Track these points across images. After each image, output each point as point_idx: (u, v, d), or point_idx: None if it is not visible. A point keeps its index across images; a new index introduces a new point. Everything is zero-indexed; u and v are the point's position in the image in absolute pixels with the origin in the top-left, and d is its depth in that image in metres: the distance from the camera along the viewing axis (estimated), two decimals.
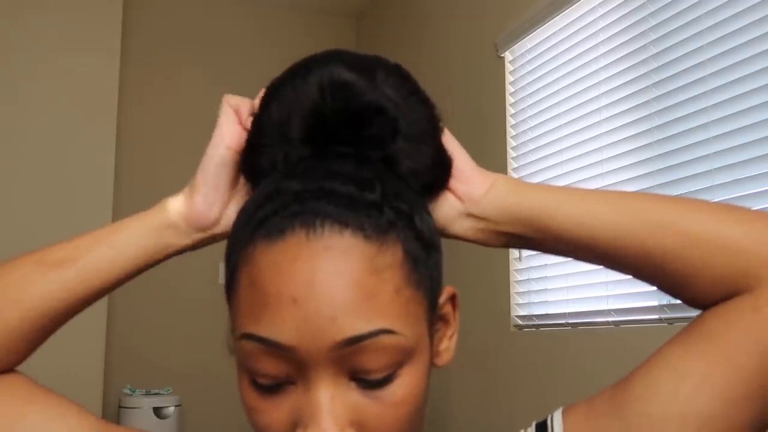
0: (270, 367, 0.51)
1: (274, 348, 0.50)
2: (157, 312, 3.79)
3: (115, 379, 3.59)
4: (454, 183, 0.61)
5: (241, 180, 0.62)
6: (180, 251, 0.64)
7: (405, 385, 0.52)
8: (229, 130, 0.61)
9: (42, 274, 0.61)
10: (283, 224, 0.51)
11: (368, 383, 0.51)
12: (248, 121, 0.60)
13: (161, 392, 3.62)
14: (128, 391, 3.58)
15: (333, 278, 0.49)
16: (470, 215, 0.61)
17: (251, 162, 0.59)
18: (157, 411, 3.49)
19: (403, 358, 0.51)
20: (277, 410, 0.52)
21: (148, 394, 3.58)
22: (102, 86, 3.44)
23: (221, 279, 4.53)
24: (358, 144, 0.57)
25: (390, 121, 0.56)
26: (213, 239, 0.64)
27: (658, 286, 0.60)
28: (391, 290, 0.51)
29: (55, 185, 3.30)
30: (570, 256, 0.62)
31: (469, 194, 0.61)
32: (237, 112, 0.62)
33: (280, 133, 0.57)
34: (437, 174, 0.60)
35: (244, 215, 0.55)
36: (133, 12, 3.86)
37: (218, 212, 0.62)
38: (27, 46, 3.33)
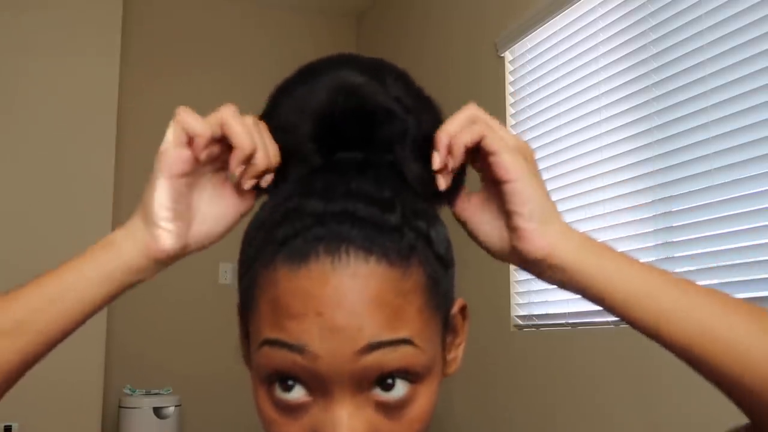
0: (291, 376, 0.51)
1: (298, 353, 0.50)
2: (157, 312, 3.79)
3: (115, 379, 3.59)
4: (512, 235, 0.56)
5: (195, 195, 0.57)
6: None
7: (421, 403, 0.52)
8: (175, 157, 0.54)
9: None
10: (307, 248, 0.50)
11: (386, 401, 0.51)
12: (201, 150, 0.54)
13: (161, 392, 3.62)
14: (128, 391, 3.58)
15: (359, 298, 0.50)
16: (519, 264, 0.58)
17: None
18: (157, 411, 3.49)
19: (421, 374, 0.52)
20: (296, 424, 0.52)
21: (148, 394, 3.58)
22: (102, 86, 3.44)
23: (221, 279, 4.52)
24: (367, 147, 0.56)
25: (399, 122, 0.56)
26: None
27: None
28: (414, 311, 0.51)
29: (55, 185, 3.30)
30: None
31: (521, 254, 0.56)
32: (189, 135, 0.54)
33: (288, 136, 0.56)
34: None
35: (261, 231, 0.54)
36: (133, 12, 3.86)
37: (185, 240, 0.56)
38: (27, 46, 3.33)
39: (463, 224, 0.60)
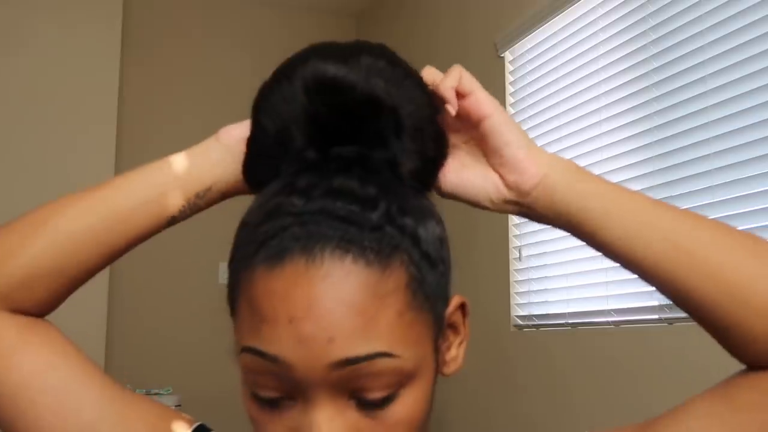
0: (270, 382, 0.50)
1: (272, 362, 0.49)
2: (157, 312, 3.79)
3: (115, 379, 3.58)
4: (503, 170, 0.58)
5: None
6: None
7: (405, 406, 0.51)
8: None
9: (74, 199, 0.61)
10: (283, 249, 0.50)
11: (367, 404, 0.50)
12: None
13: (161, 392, 3.61)
14: None
15: (331, 302, 0.48)
16: (516, 203, 0.59)
17: (256, 174, 0.58)
18: None
19: (403, 379, 0.50)
20: (277, 425, 0.51)
21: (148, 394, 3.58)
22: (102, 86, 3.44)
23: (221, 279, 4.52)
24: (360, 141, 0.55)
25: (387, 113, 0.54)
26: None
27: (698, 323, 0.57)
28: (393, 314, 0.50)
29: (55, 186, 3.30)
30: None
31: (517, 185, 0.58)
32: None
33: (279, 144, 0.55)
34: (435, 165, 0.59)
35: (245, 230, 0.54)
36: (133, 12, 3.86)
37: None
38: (27, 46, 3.33)
39: (454, 195, 0.60)
